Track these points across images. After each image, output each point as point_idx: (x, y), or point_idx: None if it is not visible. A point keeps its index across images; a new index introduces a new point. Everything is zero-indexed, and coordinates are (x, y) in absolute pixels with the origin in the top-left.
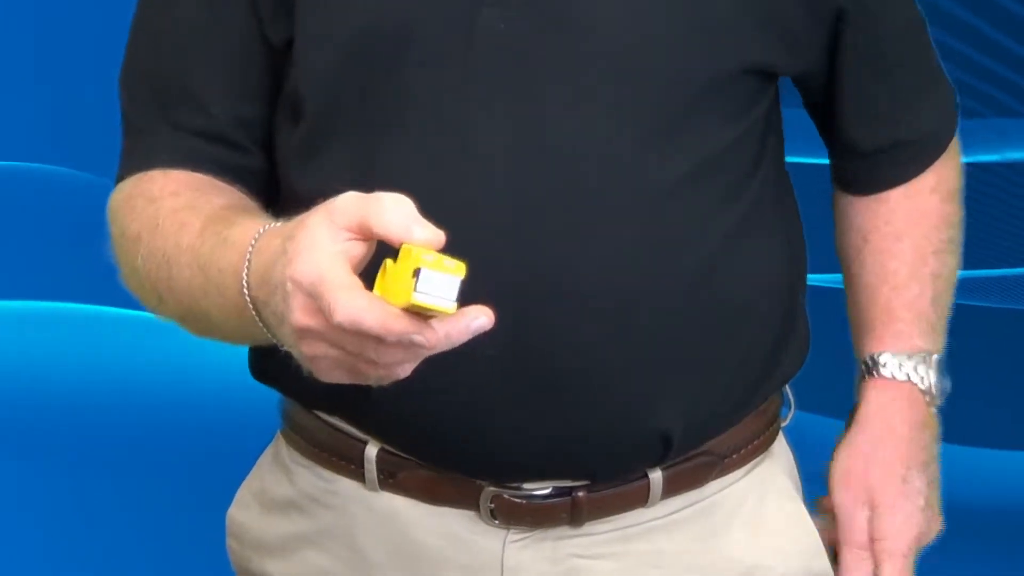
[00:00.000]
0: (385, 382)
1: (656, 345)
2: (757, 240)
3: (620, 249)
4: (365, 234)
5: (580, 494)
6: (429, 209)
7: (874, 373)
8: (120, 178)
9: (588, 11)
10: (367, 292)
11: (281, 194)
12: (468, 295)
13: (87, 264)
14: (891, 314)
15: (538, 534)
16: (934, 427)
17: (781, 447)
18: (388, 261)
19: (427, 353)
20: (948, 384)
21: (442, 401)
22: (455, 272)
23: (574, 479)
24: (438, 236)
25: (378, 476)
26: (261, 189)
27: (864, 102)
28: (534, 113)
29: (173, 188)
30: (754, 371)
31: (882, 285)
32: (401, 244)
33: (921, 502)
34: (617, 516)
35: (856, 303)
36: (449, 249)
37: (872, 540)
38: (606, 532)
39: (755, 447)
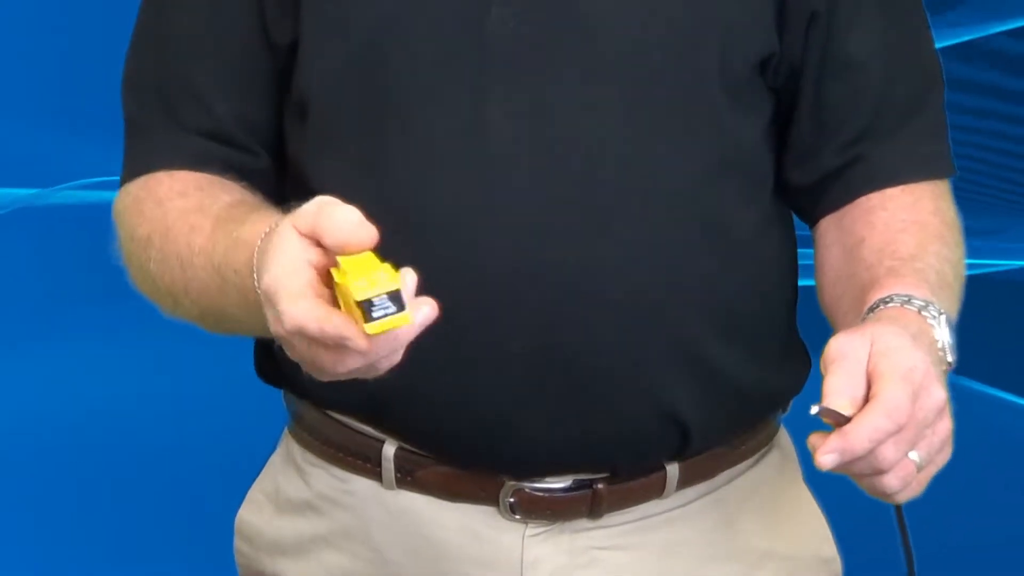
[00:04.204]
0: (371, 374)
1: (676, 340)
2: (771, 245)
3: (640, 246)
4: (319, 242)
5: (600, 486)
6: (443, 209)
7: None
8: (124, 181)
9: (597, 9)
10: (311, 297)
11: (294, 191)
12: (491, 294)
13: (91, 266)
14: (896, 275)
15: (556, 527)
16: (942, 371)
17: (784, 437)
18: (333, 271)
19: (371, 354)
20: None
21: (466, 399)
22: (391, 284)
23: (595, 472)
24: (371, 236)
25: (395, 474)
26: (265, 189)
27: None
28: (549, 112)
29: (180, 189)
30: (767, 373)
31: (884, 260)
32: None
33: (932, 370)
34: (633, 507)
35: (852, 288)
36: (466, 248)
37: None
38: (623, 523)
39: (762, 439)
